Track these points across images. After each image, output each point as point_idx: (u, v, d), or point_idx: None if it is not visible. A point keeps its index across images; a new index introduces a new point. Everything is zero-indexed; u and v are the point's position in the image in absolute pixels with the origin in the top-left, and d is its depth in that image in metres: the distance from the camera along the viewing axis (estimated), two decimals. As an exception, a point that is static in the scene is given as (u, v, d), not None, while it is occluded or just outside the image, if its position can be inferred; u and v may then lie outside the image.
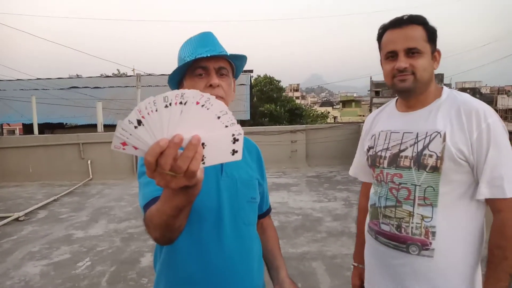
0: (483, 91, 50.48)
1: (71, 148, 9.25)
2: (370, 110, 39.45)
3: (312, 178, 8.24)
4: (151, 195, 1.03)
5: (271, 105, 23.18)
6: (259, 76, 27.01)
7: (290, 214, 5.51)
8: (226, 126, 0.71)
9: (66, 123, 17.38)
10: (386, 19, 1.37)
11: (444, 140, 1.23)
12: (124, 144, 0.67)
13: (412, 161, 1.29)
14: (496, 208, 1.21)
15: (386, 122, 1.45)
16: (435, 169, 1.23)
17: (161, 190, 0.86)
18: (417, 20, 1.28)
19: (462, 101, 1.27)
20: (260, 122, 20.93)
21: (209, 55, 1.10)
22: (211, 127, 0.70)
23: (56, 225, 5.46)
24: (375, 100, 44.58)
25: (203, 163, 0.71)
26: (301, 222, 5.19)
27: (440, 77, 46.07)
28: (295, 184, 7.59)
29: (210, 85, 1.11)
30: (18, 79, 20.14)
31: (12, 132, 28.03)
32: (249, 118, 17.39)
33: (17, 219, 5.71)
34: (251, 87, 21.82)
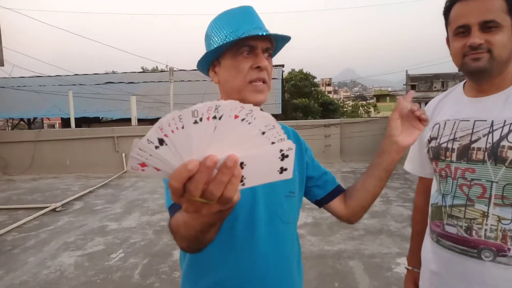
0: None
1: (106, 141, 9.45)
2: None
3: (347, 173, 7.99)
4: None
5: (305, 100, 22.91)
6: (293, 70, 26.75)
7: (324, 211, 5.32)
8: (273, 143, 0.58)
9: (102, 117, 17.88)
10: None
11: None
12: (143, 165, 0.55)
13: (486, 153, 1.09)
14: None
15: (452, 109, 1.25)
16: None
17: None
18: None
19: None
20: (292, 116, 20.72)
21: (264, 33, 0.96)
22: (254, 145, 0.57)
23: (91, 216, 5.54)
24: (410, 94, 43.03)
25: (243, 184, 0.59)
26: (336, 219, 4.99)
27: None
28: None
29: (258, 67, 0.99)
30: (57, 75, 20.91)
31: (52, 126, 29.21)
32: (280, 112, 17.23)
33: (54, 210, 5.85)
34: (283, 81, 21.62)
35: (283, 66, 21.12)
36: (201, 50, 1.10)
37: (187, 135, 0.53)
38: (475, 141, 1.13)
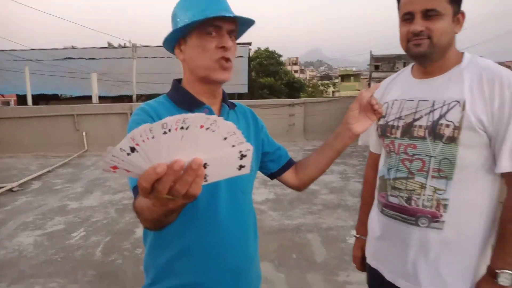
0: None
1: (65, 120, 9.14)
2: (369, 85, 39.17)
3: (309, 151, 8.20)
4: None
5: (271, 79, 22.95)
6: (259, 48, 26.59)
7: (286, 187, 5.47)
8: (233, 146, 0.68)
9: (61, 95, 17.19)
10: None
11: (463, 109, 1.14)
12: (114, 168, 0.62)
13: (427, 131, 1.20)
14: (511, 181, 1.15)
15: (400, 90, 1.35)
16: (452, 139, 1.15)
17: None
18: None
19: (484, 67, 1.17)
20: (259, 95, 20.76)
21: (231, 15, 1.01)
22: (217, 148, 0.66)
23: (51, 196, 5.43)
24: (374, 74, 44.16)
25: (205, 181, 0.68)
26: (297, 194, 5.16)
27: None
28: (292, 157, 7.56)
29: (223, 47, 1.03)
30: (11, 49, 19.74)
31: (6, 103, 27.73)
32: (246, 91, 17.22)
33: (11, 190, 5.68)
34: (250, 59, 21.49)
35: (250, 44, 20.95)
36: (166, 26, 1.13)
37: (157, 143, 0.61)
38: (418, 119, 1.23)
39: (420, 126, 1.22)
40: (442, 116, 1.17)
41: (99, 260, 3.39)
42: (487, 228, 1.21)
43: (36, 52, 19.50)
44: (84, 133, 9.02)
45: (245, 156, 0.70)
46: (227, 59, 1.06)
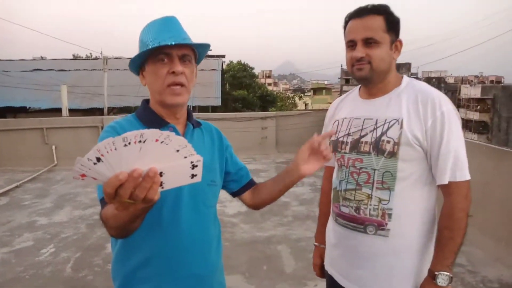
0: (448, 80, 52.14)
1: (34, 133, 8.92)
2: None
3: (281, 164, 8.35)
4: None
5: (243, 91, 23.13)
6: (231, 62, 26.81)
7: (258, 199, 5.58)
8: (185, 157, 0.79)
9: (29, 107, 16.70)
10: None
11: (401, 127, 1.29)
12: (83, 175, 0.73)
13: (371, 146, 1.34)
14: (447, 191, 1.29)
15: (349, 109, 1.50)
16: (393, 154, 1.30)
17: None
18: (379, 10, 1.32)
19: (419, 89, 1.33)
20: (232, 108, 20.87)
21: (173, 43, 1.09)
22: (170, 159, 0.78)
23: (19, 212, 5.31)
24: (345, 87, 45.25)
25: (162, 187, 0.79)
26: (268, 207, 5.14)
27: (407, 66, 47.20)
28: (264, 170, 7.67)
29: (173, 72, 1.12)
30: (-24, 60, 19.10)
31: (-30, 116, 26.62)
32: (220, 104, 17.28)
33: (-24, 206, 5.50)
34: (223, 72, 21.64)
35: (223, 56, 21.11)
36: (137, 37, 1.21)
37: (119, 154, 0.73)
38: (364, 136, 1.38)
39: (366, 142, 1.36)
40: (383, 133, 1.32)
41: (69, 277, 3.37)
42: (427, 235, 1.36)
43: (3, 63, 18.95)
44: (53, 147, 8.82)
45: (196, 166, 0.82)
46: (181, 84, 1.14)
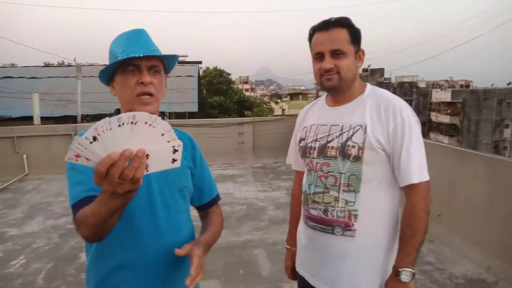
0: (420, 85, 53.63)
1: (4, 142, 8.66)
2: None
3: (258, 169, 8.40)
4: (80, 196, 1.08)
5: (220, 97, 23.12)
6: (208, 68, 26.79)
7: (235, 205, 5.61)
8: (168, 141, 0.86)
9: (0, 116, 16.18)
10: (337, 15, 1.45)
11: (365, 132, 1.36)
12: (77, 156, 0.78)
13: (337, 151, 1.40)
14: (408, 192, 1.37)
15: (316, 116, 1.56)
16: (358, 158, 1.36)
17: (89, 191, 1.01)
18: (342, 23, 1.39)
19: (381, 96, 1.41)
20: (210, 114, 20.83)
21: (141, 55, 1.14)
22: (156, 142, 0.84)
23: (-13, 223, 5.15)
24: (320, 93, 45.79)
25: (147, 171, 0.85)
26: (245, 211, 5.31)
27: (381, 72, 48.29)
28: (242, 175, 7.70)
29: (142, 83, 1.15)
30: None
31: None
32: (197, 110, 17.21)
33: None
34: (200, 78, 21.58)
35: (200, 62, 21.06)
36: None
37: (113, 134, 0.79)
38: (330, 141, 1.44)
39: (332, 147, 1.42)
40: (349, 138, 1.39)
41: None
42: (392, 234, 1.42)
43: (-29, 70, 18.33)
44: (24, 156, 8.58)
45: (177, 151, 0.88)
46: (147, 93, 1.17)
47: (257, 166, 8.70)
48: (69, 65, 22.01)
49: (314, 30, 1.43)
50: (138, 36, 1.20)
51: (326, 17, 1.43)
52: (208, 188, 1.46)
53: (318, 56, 1.42)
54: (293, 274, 1.75)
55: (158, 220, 1.20)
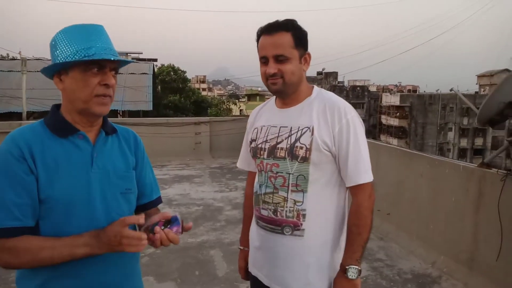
0: (371, 89, 55.82)
1: None
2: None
3: (215, 169, 8.36)
4: (8, 224, 1.04)
5: (175, 96, 22.72)
6: (163, 65, 26.25)
7: (191, 205, 5.55)
8: None
9: None
10: (300, 18, 1.46)
11: (312, 133, 1.40)
12: None
13: (286, 152, 1.43)
14: (354, 192, 1.43)
15: (266, 117, 1.58)
16: (305, 159, 1.40)
17: (6, 220, 1.02)
18: (287, 27, 1.40)
19: (327, 99, 1.46)
20: (164, 114, 20.42)
21: (113, 58, 1.10)
22: None
23: None
24: (277, 94, 46.37)
25: None
26: (201, 212, 5.27)
27: (334, 75, 49.78)
28: (198, 175, 7.64)
29: (106, 84, 1.12)
30: None
31: None
32: (151, 108, 16.84)
33: None
34: (154, 76, 21.13)
35: (155, 60, 20.64)
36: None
37: None
38: (280, 142, 1.46)
39: (282, 148, 1.45)
40: (297, 140, 1.42)
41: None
42: (339, 232, 1.47)
43: None
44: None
45: None
46: (108, 95, 1.15)
47: (214, 167, 8.66)
48: (14, 59, 20.74)
49: (261, 33, 1.44)
50: (100, 33, 1.14)
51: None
52: (149, 189, 1.38)
53: (263, 61, 1.43)
54: (247, 274, 1.74)
55: (98, 225, 1.13)
